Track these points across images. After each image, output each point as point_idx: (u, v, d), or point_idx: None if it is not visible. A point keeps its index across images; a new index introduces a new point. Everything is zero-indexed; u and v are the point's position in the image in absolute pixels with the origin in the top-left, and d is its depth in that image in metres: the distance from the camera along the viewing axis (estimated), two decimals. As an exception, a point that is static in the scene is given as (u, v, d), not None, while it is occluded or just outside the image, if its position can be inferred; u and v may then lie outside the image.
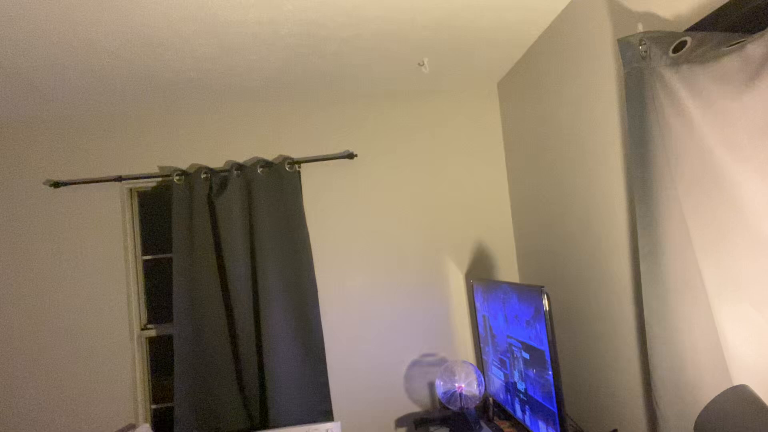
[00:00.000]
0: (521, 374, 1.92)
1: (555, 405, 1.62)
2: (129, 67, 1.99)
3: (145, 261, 2.60)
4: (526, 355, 1.85)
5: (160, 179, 2.54)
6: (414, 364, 2.58)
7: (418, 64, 2.26)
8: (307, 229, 2.46)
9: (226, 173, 2.50)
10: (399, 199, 2.64)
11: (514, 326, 1.93)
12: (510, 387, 2.07)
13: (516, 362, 1.98)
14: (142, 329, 2.53)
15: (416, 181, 2.66)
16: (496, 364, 2.24)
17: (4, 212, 2.47)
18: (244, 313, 2.38)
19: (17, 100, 2.23)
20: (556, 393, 1.60)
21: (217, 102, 2.50)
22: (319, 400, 2.41)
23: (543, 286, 1.65)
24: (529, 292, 1.76)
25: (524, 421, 1.95)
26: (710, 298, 1.16)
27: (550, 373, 1.63)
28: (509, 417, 2.27)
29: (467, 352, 2.62)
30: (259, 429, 2.38)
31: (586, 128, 1.79)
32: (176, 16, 1.63)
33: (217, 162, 2.57)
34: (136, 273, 2.54)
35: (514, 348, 1.98)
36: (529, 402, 1.88)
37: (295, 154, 2.59)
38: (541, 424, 1.78)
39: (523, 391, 1.93)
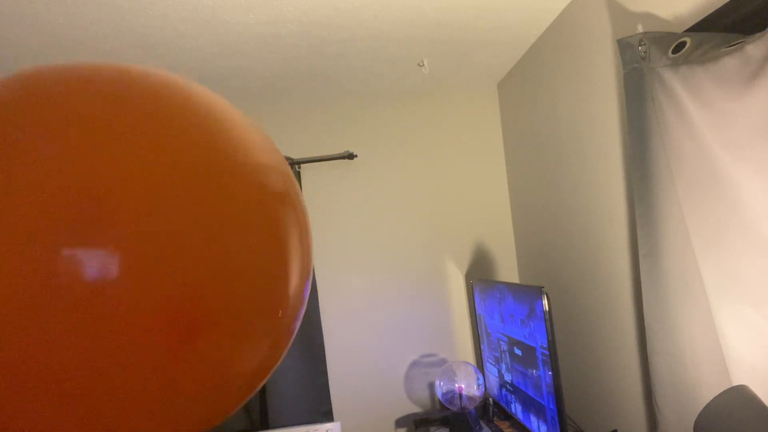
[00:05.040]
0: (512, 369, 1.95)
1: (554, 404, 1.63)
2: (129, 67, 1.99)
3: (145, 261, 2.59)
4: (519, 352, 1.88)
5: (160, 179, 2.53)
6: (414, 364, 2.58)
7: (418, 64, 2.26)
8: (307, 229, 2.46)
9: (226, 173, 2.49)
10: (399, 200, 2.64)
11: (510, 325, 1.95)
12: (504, 383, 2.10)
13: (505, 356, 2.01)
14: (142, 329, 2.53)
15: (416, 181, 2.66)
16: (491, 361, 2.26)
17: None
18: (244, 314, 2.38)
19: (17, 100, 2.23)
20: (556, 394, 1.60)
21: (217, 102, 2.50)
22: (319, 401, 2.41)
23: (542, 287, 1.65)
24: (524, 292, 1.77)
25: (517, 414, 1.98)
26: (709, 298, 1.17)
27: (548, 372, 1.63)
28: (509, 417, 2.28)
29: (467, 352, 2.62)
30: (259, 429, 2.38)
31: (586, 128, 1.80)
32: (176, 17, 1.63)
33: (217, 162, 2.56)
34: (136, 273, 2.54)
35: (504, 344, 2.01)
36: (517, 393, 1.92)
37: (295, 155, 2.59)
38: (533, 418, 1.81)
39: (511, 383, 1.96)
